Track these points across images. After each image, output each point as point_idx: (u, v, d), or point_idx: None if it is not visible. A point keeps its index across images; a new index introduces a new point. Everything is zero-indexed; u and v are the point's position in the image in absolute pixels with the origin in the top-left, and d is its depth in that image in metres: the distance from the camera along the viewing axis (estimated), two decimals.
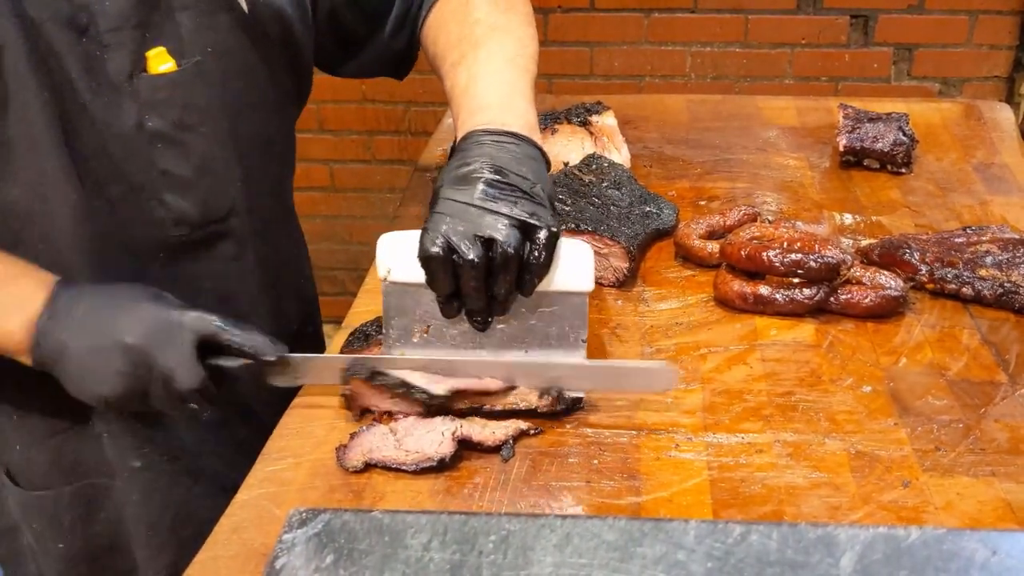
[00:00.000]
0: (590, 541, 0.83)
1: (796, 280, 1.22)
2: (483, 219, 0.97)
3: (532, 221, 0.98)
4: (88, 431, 1.20)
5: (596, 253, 1.29)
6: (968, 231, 1.34)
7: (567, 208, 1.33)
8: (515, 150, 1.04)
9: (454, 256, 0.97)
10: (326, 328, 1.53)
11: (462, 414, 1.06)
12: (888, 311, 1.22)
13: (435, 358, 1.06)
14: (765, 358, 1.17)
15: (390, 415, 1.07)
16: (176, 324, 0.99)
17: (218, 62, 1.11)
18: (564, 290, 1.04)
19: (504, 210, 0.98)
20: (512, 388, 1.06)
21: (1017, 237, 1.31)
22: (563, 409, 1.07)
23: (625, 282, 1.32)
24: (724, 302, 1.26)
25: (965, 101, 2.00)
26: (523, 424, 1.05)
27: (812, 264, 1.20)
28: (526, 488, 0.98)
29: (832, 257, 1.20)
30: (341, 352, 1.14)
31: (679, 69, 2.81)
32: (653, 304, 1.29)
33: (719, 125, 1.81)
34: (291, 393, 1.14)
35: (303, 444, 1.06)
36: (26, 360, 1.02)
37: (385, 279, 1.06)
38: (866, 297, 1.21)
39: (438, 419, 1.04)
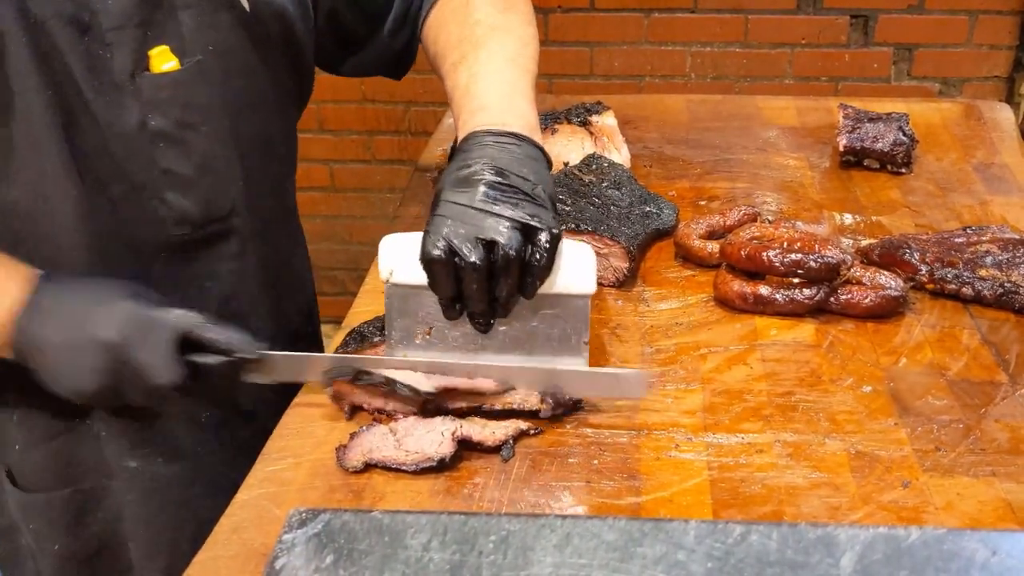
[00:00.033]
0: (590, 541, 0.83)
1: (796, 280, 1.22)
2: (484, 221, 0.97)
3: (533, 223, 0.98)
4: (86, 431, 1.20)
5: (596, 253, 1.28)
6: (968, 231, 1.34)
7: (567, 208, 1.33)
8: (516, 151, 1.04)
9: (456, 259, 0.97)
10: (326, 328, 1.53)
11: (462, 414, 1.06)
12: (888, 311, 1.22)
13: (416, 359, 1.06)
14: (765, 358, 1.17)
15: (387, 415, 1.07)
16: (154, 321, 0.99)
17: (220, 61, 1.11)
18: (566, 292, 1.04)
19: (505, 212, 0.98)
20: (506, 390, 1.06)
21: (1017, 237, 1.31)
22: (563, 411, 1.07)
23: (625, 282, 1.32)
24: (724, 302, 1.26)
25: (965, 101, 2.00)
26: (523, 424, 1.05)
27: (812, 264, 1.20)
28: (526, 488, 0.98)
29: (832, 257, 1.20)
30: (336, 352, 1.14)
31: (679, 69, 2.81)
32: (653, 304, 1.29)
33: (719, 125, 1.81)
34: (290, 394, 1.14)
35: (303, 444, 1.06)
36: (7, 353, 1.02)
37: (387, 281, 1.06)
38: (866, 297, 1.21)
39: (438, 419, 1.04)
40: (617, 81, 2.82)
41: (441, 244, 0.97)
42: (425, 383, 1.04)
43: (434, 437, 1.02)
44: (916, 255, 1.28)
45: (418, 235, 1.00)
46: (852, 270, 1.23)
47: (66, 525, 1.22)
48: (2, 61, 0.99)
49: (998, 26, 2.67)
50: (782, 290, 1.22)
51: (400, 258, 1.04)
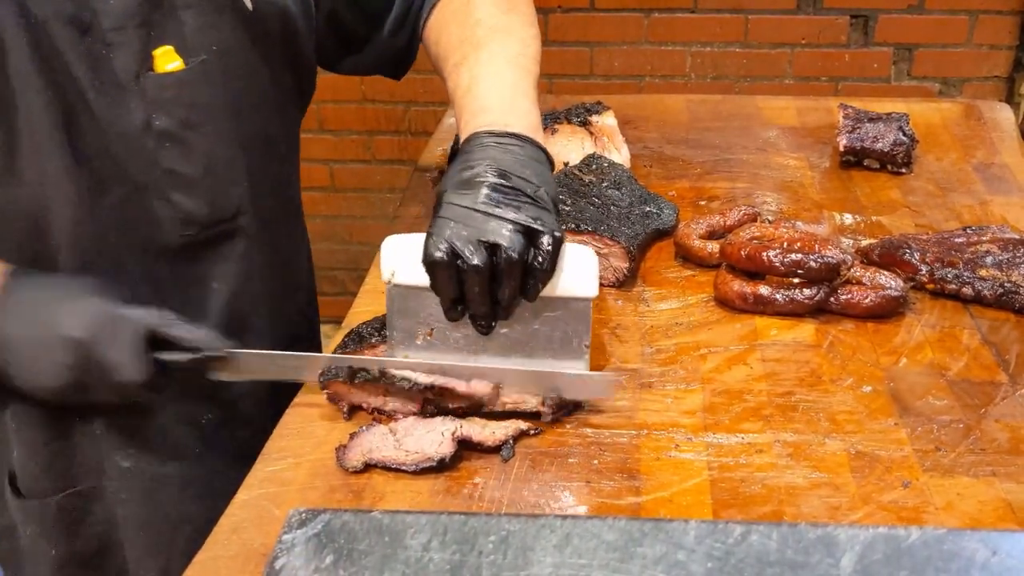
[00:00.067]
0: (590, 541, 0.83)
1: (796, 280, 1.22)
2: (487, 224, 0.97)
3: (536, 226, 0.98)
4: (86, 432, 1.19)
5: (596, 253, 1.29)
6: (968, 231, 1.34)
7: (567, 208, 1.33)
8: (519, 152, 1.04)
9: (458, 261, 0.97)
10: (326, 328, 1.53)
11: (462, 414, 1.06)
12: (888, 311, 1.22)
13: (413, 360, 1.06)
14: (765, 358, 1.17)
15: (387, 415, 1.07)
16: (120, 318, 0.99)
17: (223, 61, 1.11)
18: (568, 295, 1.04)
19: (508, 215, 0.98)
20: (498, 397, 1.06)
21: (1017, 237, 1.31)
22: (563, 412, 1.07)
23: (625, 282, 1.32)
24: (724, 302, 1.26)
25: (965, 101, 2.00)
26: (523, 424, 1.05)
27: (812, 264, 1.20)
28: (526, 488, 0.98)
29: (832, 257, 1.20)
30: (335, 353, 1.14)
31: (679, 69, 2.81)
32: (653, 304, 1.29)
33: (719, 125, 1.81)
34: (288, 395, 1.14)
35: (303, 444, 1.06)
36: None
37: (389, 282, 1.06)
38: (866, 297, 1.21)
39: (438, 419, 1.04)
40: (617, 81, 2.82)
41: (443, 246, 0.96)
42: (422, 375, 1.04)
43: (434, 437, 1.02)
44: (916, 255, 1.28)
45: (420, 236, 1.00)
46: (852, 270, 1.23)
47: (62, 530, 1.22)
48: (3, 61, 0.99)
49: (998, 26, 2.67)
50: (782, 290, 1.22)
51: (402, 259, 1.04)
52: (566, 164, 1.50)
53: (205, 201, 1.14)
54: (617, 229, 1.31)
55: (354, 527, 0.86)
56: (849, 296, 1.22)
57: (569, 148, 1.56)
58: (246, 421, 1.24)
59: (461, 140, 1.09)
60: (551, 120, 1.60)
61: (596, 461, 1.01)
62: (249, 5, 1.10)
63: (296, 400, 1.13)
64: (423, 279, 1.00)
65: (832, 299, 1.22)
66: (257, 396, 1.24)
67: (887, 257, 1.30)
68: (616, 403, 1.09)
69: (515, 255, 0.96)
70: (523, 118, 1.09)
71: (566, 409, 1.07)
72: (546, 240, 0.98)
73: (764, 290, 1.23)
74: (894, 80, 2.76)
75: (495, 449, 1.02)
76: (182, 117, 1.09)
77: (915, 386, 1.11)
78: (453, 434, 1.01)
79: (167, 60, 1.07)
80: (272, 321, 1.28)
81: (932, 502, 0.95)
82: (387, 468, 1.01)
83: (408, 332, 1.07)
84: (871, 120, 1.62)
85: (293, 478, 1.02)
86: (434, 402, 1.06)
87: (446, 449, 1.00)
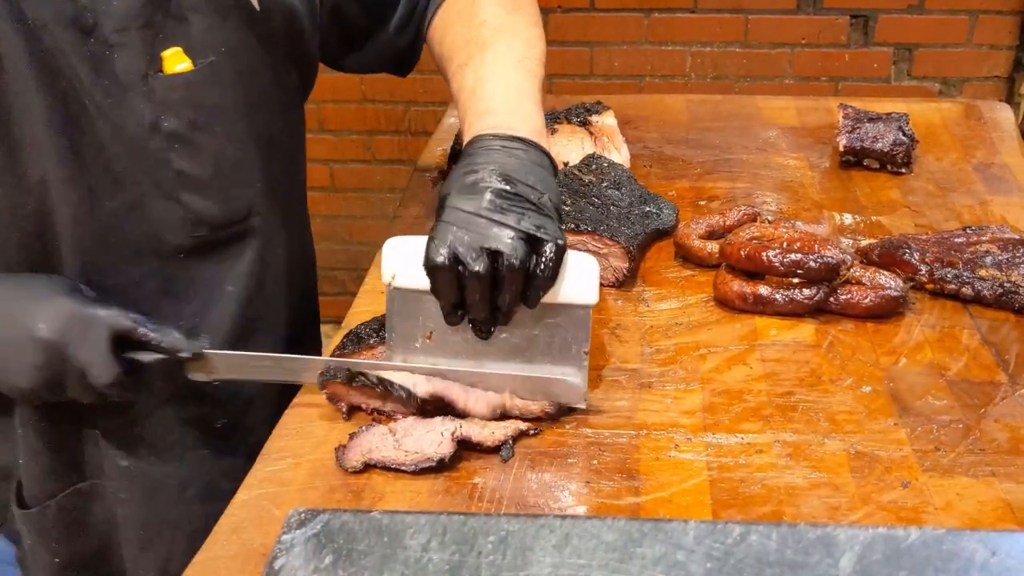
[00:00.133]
0: (589, 541, 0.83)
1: (796, 280, 1.22)
2: (490, 230, 0.97)
3: (539, 235, 0.98)
4: (85, 433, 1.19)
5: (596, 253, 1.29)
6: (968, 231, 1.34)
7: (567, 208, 1.32)
8: (523, 156, 1.03)
9: (459, 267, 0.96)
10: (326, 328, 1.53)
11: (462, 415, 1.06)
12: (888, 311, 1.22)
13: (408, 364, 1.06)
14: (765, 358, 1.17)
15: (386, 415, 1.07)
16: (91, 318, 0.99)
17: (231, 61, 1.10)
18: (568, 302, 1.04)
19: (511, 222, 0.97)
20: (497, 412, 1.06)
21: (1017, 237, 1.31)
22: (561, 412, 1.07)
23: (625, 282, 1.32)
24: (724, 302, 1.26)
25: (965, 101, 2.00)
26: (523, 424, 1.05)
27: (812, 264, 1.20)
28: (525, 488, 0.98)
29: (832, 257, 1.20)
30: (333, 355, 1.14)
31: (679, 69, 2.81)
32: (653, 304, 1.29)
33: (719, 125, 1.81)
34: (287, 396, 1.14)
35: (303, 444, 1.06)
36: None
37: (390, 284, 1.06)
38: (866, 297, 1.21)
39: (437, 419, 1.04)
40: (617, 81, 2.82)
41: (445, 251, 0.96)
42: (422, 386, 1.04)
43: (433, 437, 1.02)
44: (916, 255, 1.28)
45: (422, 239, 1.00)
46: (852, 270, 1.23)
47: (62, 532, 1.22)
48: None
49: (998, 26, 2.67)
50: (782, 290, 1.22)
51: (403, 262, 1.04)
52: (566, 164, 1.50)
53: (216, 202, 1.14)
54: (617, 229, 1.31)
55: (353, 527, 0.86)
56: (849, 296, 1.22)
57: (569, 148, 1.56)
58: (255, 424, 1.24)
59: (465, 142, 1.08)
60: (551, 120, 1.59)
61: (595, 461, 1.01)
62: (256, 5, 1.10)
63: (295, 400, 1.13)
64: (424, 282, 1.00)
65: (832, 299, 1.22)
66: (267, 398, 1.24)
67: (887, 257, 1.30)
68: (616, 403, 1.09)
69: (517, 263, 0.96)
70: (527, 121, 1.08)
71: (561, 411, 1.07)
72: (549, 248, 0.98)
73: (764, 290, 1.23)
74: (894, 80, 2.76)
75: (495, 449, 1.02)
76: (191, 118, 1.09)
77: (915, 386, 1.11)
78: (452, 434, 1.01)
79: (176, 61, 1.06)
80: (280, 321, 1.28)
81: (931, 502, 0.95)
82: (386, 468, 1.01)
83: (407, 335, 1.07)
84: (871, 120, 1.62)
85: (293, 478, 1.02)
86: (431, 403, 1.06)
87: (445, 449, 1.00)
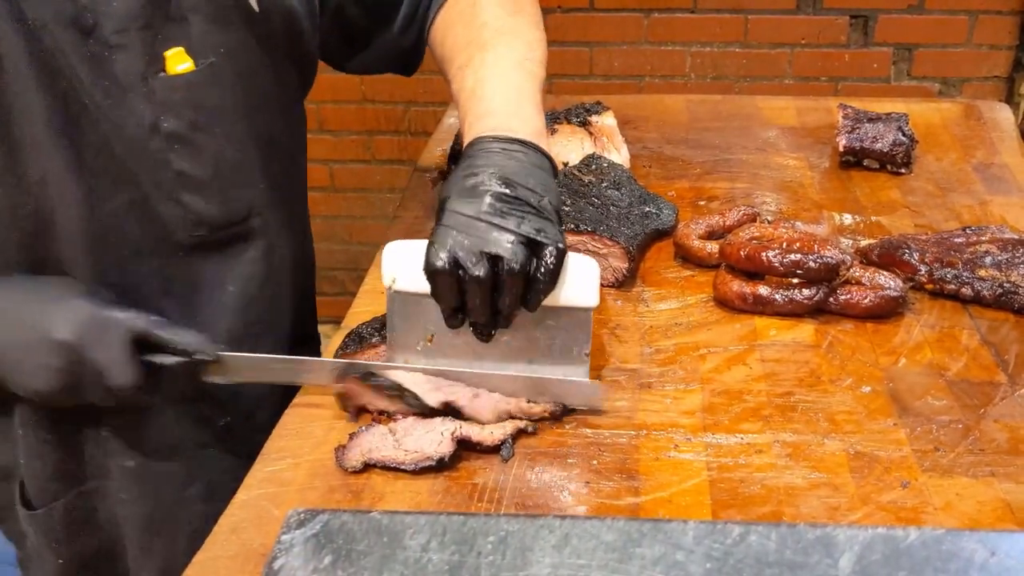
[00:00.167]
0: (589, 542, 0.83)
1: (795, 280, 1.22)
2: (490, 235, 0.97)
3: (540, 239, 0.98)
4: (89, 435, 1.19)
5: (595, 253, 1.29)
6: (968, 231, 1.34)
7: (567, 208, 1.33)
8: (523, 158, 1.03)
9: (459, 271, 0.96)
10: (326, 328, 1.53)
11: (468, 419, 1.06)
12: (887, 311, 1.22)
13: (417, 366, 1.06)
14: (764, 358, 1.17)
15: (388, 415, 1.07)
16: (109, 321, 0.99)
17: (231, 62, 1.10)
18: (569, 305, 1.04)
19: (511, 226, 0.97)
20: (504, 419, 1.06)
21: (1016, 237, 1.31)
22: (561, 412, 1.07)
23: (624, 282, 1.32)
24: (723, 302, 1.26)
25: (965, 101, 2.00)
26: (520, 422, 1.05)
27: (811, 264, 1.20)
28: (525, 488, 0.98)
29: (831, 257, 1.20)
30: (335, 354, 1.14)
31: (679, 69, 2.81)
32: (652, 304, 1.29)
33: (719, 125, 1.81)
34: (288, 396, 1.14)
35: (302, 444, 1.06)
36: None
37: (390, 288, 1.06)
38: (865, 297, 1.21)
39: (437, 419, 1.04)
40: (617, 81, 2.82)
41: (445, 256, 0.96)
42: (432, 397, 1.04)
43: (433, 437, 1.02)
44: (915, 255, 1.28)
45: (422, 243, 1.00)
46: (851, 270, 1.23)
47: (65, 534, 1.22)
48: None
49: (998, 26, 2.67)
50: (781, 290, 1.22)
51: (403, 266, 1.04)
52: (566, 164, 1.50)
53: (216, 202, 1.14)
54: (616, 229, 1.31)
55: (353, 527, 0.86)
56: (848, 296, 1.22)
57: (569, 148, 1.56)
58: (260, 423, 1.24)
59: (465, 144, 1.08)
60: (551, 120, 1.59)
61: (595, 461, 1.01)
62: (255, 7, 1.10)
63: (295, 401, 1.13)
64: (424, 286, 1.00)
65: (831, 299, 1.22)
66: (272, 399, 1.24)
67: (886, 257, 1.30)
68: (615, 403, 1.09)
69: (517, 267, 0.96)
70: (527, 123, 1.08)
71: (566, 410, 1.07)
72: (549, 252, 0.98)
73: (763, 290, 1.23)
74: (894, 80, 2.76)
75: (494, 449, 1.03)
76: (191, 119, 1.09)
77: (914, 386, 1.11)
78: (452, 434, 1.01)
79: (178, 61, 1.06)
80: (281, 321, 1.28)
81: (931, 502, 0.95)
82: (386, 468, 1.01)
83: (408, 338, 1.07)
84: (871, 120, 1.62)
85: (292, 478, 1.02)
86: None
87: (445, 449, 1.00)
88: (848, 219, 1.47)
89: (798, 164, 1.65)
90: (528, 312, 1.02)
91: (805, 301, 1.22)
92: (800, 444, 1.03)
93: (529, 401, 1.06)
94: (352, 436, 1.04)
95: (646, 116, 1.85)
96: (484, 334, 1.03)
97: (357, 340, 1.13)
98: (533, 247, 0.98)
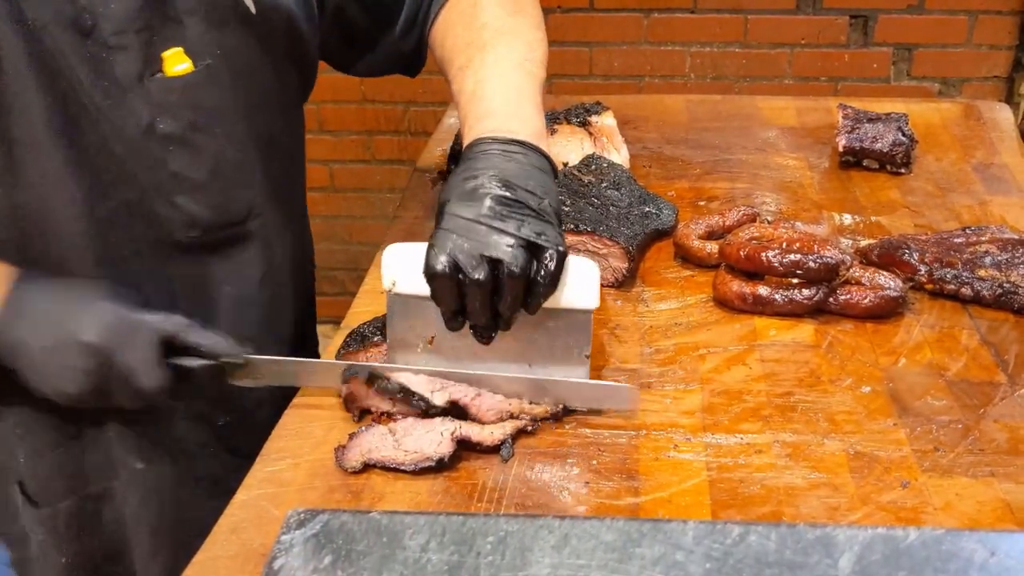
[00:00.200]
0: (588, 542, 0.83)
1: (795, 280, 1.22)
2: (489, 238, 0.97)
3: (540, 242, 0.98)
4: (93, 435, 1.19)
5: (595, 253, 1.29)
6: (967, 231, 1.34)
7: (567, 208, 1.33)
8: (523, 160, 1.03)
9: (459, 275, 0.96)
10: (325, 328, 1.53)
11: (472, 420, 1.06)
12: (887, 311, 1.22)
13: (419, 367, 1.06)
14: (764, 358, 1.17)
15: (389, 415, 1.07)
16: (137, 324, 0.99)
17: (228, 64, 1.10)
18: (569, 307, 1.04)
19: (511, 229, 0.97)
20: (505, 419, 1.06)
21: (1016, 237, 1.31)
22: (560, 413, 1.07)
23: (624, 282, 1.32)
24: (723, 302, 1.26)
25: (965, 101, 2.00)
26: (521, 422, 1.05)
27: (811, 264, 1.20)
28: (525, 488, 0.98)
29: (831, 257, 1.20)
30: (337, 354, 1.14)
31: (679, 69, 2.81)
32: (652, 304, 1.29)
33: (719, 125, 1.81)
34: (288, 396, 1.14)
35: (302, 445, 1.06)
36: None
37: (390, 290, 1.06)
38: (865, 297, 1.21)
39: (437, 419, 1.04)
40: (616, 81, 2.82)
41: (445, 259, 0.96)
42: (439, 399, 1.04)
43: (433, 437, 1.02)
44: (915, 255, 1.28)
45: (421, 246, 1.00)
46: (851, 270, 1.23)
47: (73, 535, 1.22)
48: None
49: (998, 26, 2.67)
50: (781, 290, 1.22)
51: (403, 269, 1.04)
52: (566, 164, 1.50)
53: (209, 204, 1.14)
54: (616, 229, 1.31)
55: (352, 528, 0.86)
56: (848, 296, 1.22)
57: (568, 148, 1.56)
58: (261, 423, 1.24)
59: (464, 145, 1.08)
60: (550, 120, 1.59)
61: (595, 461, 1.01)
62: (252, 8, 1.10)
63: (295, 401, 1.13)
64: (424, 289, 1.00)
65: (831, 299, 1.22)
66: (273, 398, 1.24)
67: (886, 257, 1.30)
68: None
69: (517, 271, 0.96)
70: (527, 124, 1.08)
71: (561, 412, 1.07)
72: (549, 255, 0.98)
73: (763, 290, 1.23)
74: (894, 80, 2.76)
75: (494, 449, 1.02)
76: (188, 120, 1.09)
77: (914, 386, 1.11)
78: (452, 434, 1.01)
79: (176, 61, 1.06)
80: (280, 321, 1.28)
81: (931, 502, 0.95)
82: (386, 468, 1.01)
83: (408, 340, 1.07)
84: (870, 120, 1.62)
85: (292, 478, 1.02)
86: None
87: (445, 449, 1.00)
88: (848, 219, 1.47)
89: (798, 164, 1.65)
90: (528, 314, 1.02)
91: (805, 301, 1.22)
92: (800, 444, 1.03)
93: (531, 402, 1.06)
94: (352, 436, 1.04)
95: (646, 116, 1.85)
96: (484, 337, 1.03)
97: (359, 340, 1.13)
98: (533, 250, 0.98)
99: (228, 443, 1.26)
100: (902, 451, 1.01)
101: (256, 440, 1.09)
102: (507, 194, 0.99)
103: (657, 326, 1.24)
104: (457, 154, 1.41)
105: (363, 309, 1.28)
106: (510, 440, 1.03)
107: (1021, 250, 1.26)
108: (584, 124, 1.59)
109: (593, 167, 1.45)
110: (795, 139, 1.74)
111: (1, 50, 0.98)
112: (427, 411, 1.04)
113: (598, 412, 1.08)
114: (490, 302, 0.98)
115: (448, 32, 1.24)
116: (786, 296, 1.22)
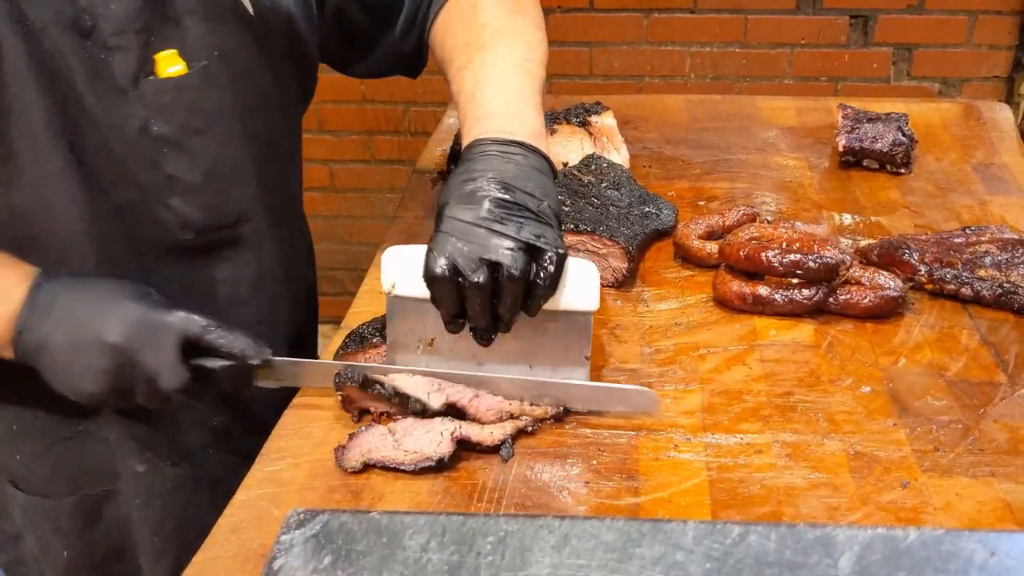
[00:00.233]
0: (588, 542, 0.83)
1: (795, 280, 1.22)
2: (489, 241, 0.97)
3: (539, 244, 0.98)
4: (93, 436, 1.19)
5: (595, 253, 1.29)
6: (967, 231, 1.34)
7: (567, 208, 1.32)
8: (522, 161, 1.03)
9: (459, 278, 0.96)
10: (325, 328, 1.53)
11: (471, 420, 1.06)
12: (887, 311, 1.22)
13: (422, 370, 1.06)
14: (764, 358, 1.17)
15: (389, 416, 1.07)
16: (160, 324, 0.99)
17: (226, 65, 1.10)
18: (569, 309, 1.04)
19: (510, 232, 0.97)
20: (504, 419, 1.06)
21: (1016, 237, 1.31)
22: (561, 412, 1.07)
23: (624, 282, 1.32)
24: (723, 302, 1.26)
25: (965, 101, 2.00)
26: (521, 422, 1.05)
27: (811, 264, 1.20)
28: (525, 488, 0.98)
29: (831, 257, 1.20)
30: (336, 354, 1.14)
31: (679, 69, 2.81)
32: (652, 304, 1.29)
33: (718, 125, 1.81)
34: (288, 396, 1.14)
35: (302, 445, 1.06)
36: (7, 354, 1.02)
37: (389, 293, 1.06)
38: (865, 297, 1.21)
39: (437, 419, 1.04)
40: (616, 81, 2.82)
41: (444, 263, 0.96)
42: (436, 400, 1.04)
43: (433, 437, 1.02)
44: (915, 255, 1.28)
45: (421, 248, 1.00)
46: (851, 270, 1.23)
47: (75, 532, 1.22)
48: None
49: (998, 26, 2.67)
50: (781, 290, 1.22)
51: (403, 271, 1.04)
52: (565, 164, 1.50)
53: (202, 206, 1.13)
54: (616, 229, 1.31)
55: (352, 528, 0.86)
56: (848, 296, 1.22)
57: (568, 148, 1.56)
58: (261, 423, 1.24)
59: (464, 145, 1.08)
60: (550, 120, 1.59)
61: (595, 461, 1.01)
62: (250, 9, 1.10)
63: (295, 401, 1.13)
64: (424, 291, 1.00)
65: (831, 299, 1.22)
66: (273, 399, 1.24)
67: (886, 257, 1.30)
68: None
69: (517, 273, 0.96)
70: (526, 124, 1.08)
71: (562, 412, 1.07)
72: (549, 258, 0.98)
73: (763, 290, 1.23)
74: (893, 80, 2.76)
75: (494, 449, 1.02)
76: (183, 122, 1.09)
77: (914, 386, 1.11)
78: (452, 434, 1.01)
79: (170, 63, 1.06)
80: (279, 322, 1.28)
81: (931, 502, 0.95)
82: (386, 468, 1.01)
83: (408, 342, 1.07)
84: (870, 120, 1.62)
85: (292, 478, 1.02)
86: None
87: (445, 449, 1.00)
88: (848, 219, 1.47)
89: (798, 164, 1.65)
90: (528, 317, 1.02)
91: (805, 301, 1.22)
92: (800, 444, 1.03)
93: (532, 404, 1.06)
94: (352, 436, 1.04)
95: (646, 116, 1.85)
96: (484, 339, 1.03)
97: (359, 340, 1.13)
98: (533, 253, 0.98)
99: (228, 444, 1.26)
100: (902, 451, 1.01)
101: (256, 440, 1.09)
102: (506, 196, 0.99)
103: (657, 326, 1.24)
104: (457, 154, 1.41)
105: (363, 309, 1.28)
106: (510, 440, 1.03)
107: (1021, 250, 1.26)
108: (584, 124, 1.59)
109: (593, 167, 1.45)
110: (795, 139, 1.74)
111: (1, 50, 0.98)
112: (424, 413, 1.04)
113: (599, 413, 1.08)
114: (490, 305, 0.98)
115: (448, 32, 1.24)
116: (786, 296, 1.22)
